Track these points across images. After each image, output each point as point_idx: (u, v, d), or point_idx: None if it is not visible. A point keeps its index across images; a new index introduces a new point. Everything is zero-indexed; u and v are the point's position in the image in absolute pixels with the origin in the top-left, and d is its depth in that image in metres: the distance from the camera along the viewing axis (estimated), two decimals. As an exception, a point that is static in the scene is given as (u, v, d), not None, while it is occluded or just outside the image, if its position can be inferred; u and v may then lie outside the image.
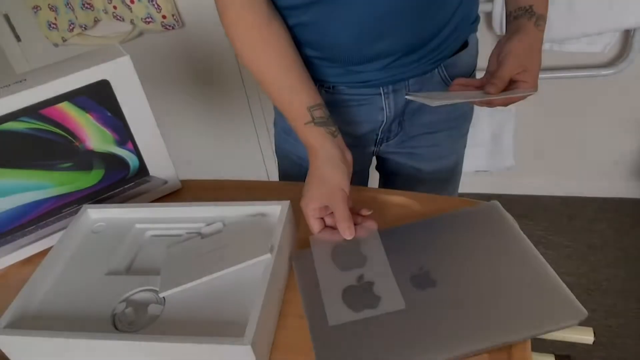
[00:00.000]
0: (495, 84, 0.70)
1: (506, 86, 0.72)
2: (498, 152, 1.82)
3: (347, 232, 0.68)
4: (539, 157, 1.94)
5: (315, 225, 0.70)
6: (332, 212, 0.70)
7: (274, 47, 0.73)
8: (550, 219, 1.94)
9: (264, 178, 2.25)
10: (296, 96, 0.73)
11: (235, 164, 2.23)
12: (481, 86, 0.74)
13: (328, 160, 0.71)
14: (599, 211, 1.94)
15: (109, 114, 0.75)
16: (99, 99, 0.73)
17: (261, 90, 1.89)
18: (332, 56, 0.77)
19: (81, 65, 0.71)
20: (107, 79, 0.73)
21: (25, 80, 0.70)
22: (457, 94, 0.75)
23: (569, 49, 1.55)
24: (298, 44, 0.78)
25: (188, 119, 2.08)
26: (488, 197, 2.06)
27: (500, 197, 2.05)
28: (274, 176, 2.24)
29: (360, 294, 0.62)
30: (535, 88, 0.73)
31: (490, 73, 0.75)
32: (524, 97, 0.73)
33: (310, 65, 0.80)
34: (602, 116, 1.77)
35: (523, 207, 2.01)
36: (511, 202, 2.00)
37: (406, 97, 0.75)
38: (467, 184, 1.42)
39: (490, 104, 0.74)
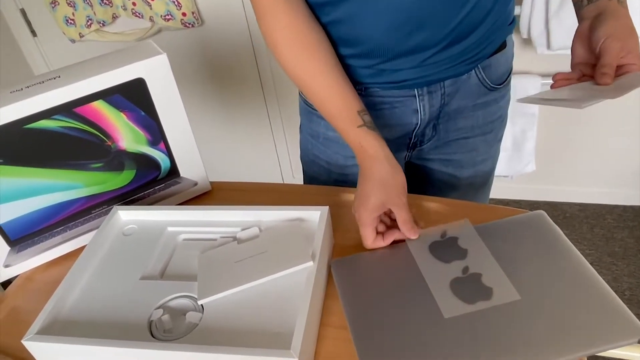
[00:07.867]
0: (607, 73, 0.64)
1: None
2: (519, 157, 1.79)
3: (412, 233, 0.67)
4: (560, 163, 1.92)
5: (371, 235, 0.68)
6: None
7: (318, 55, 0.72)
8: (570, 226, 1.91)
9: (278, 180, 2.23)
10: (345, 102, 0.71)
11: (250, 165, 2.21)
12: (580, 79, 0.69)
13: (388, 162, 0.69)
14: (620, 219, 1.91)
15: (143, 113, 0.73)
16: (134, 97, 0.71)
17: (279, 91, 1.89)
18: (367, 52, 0.75)
19: (117, 63, 0.69)
20: (143, 77, 0.70)
21: (59, 77, 0.68)
22: (569, 88, 0.69)
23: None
24: (332, 43, 0.76)
25: (204, 119, 2.06)
26: (507, 202, 2.03)
27: (519, 203, 2.03)
28: (289, 179, 2.22)
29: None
30: None
31: (583, 64, 0.69)
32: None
33: (343, 67, 0.78)
34: (625, 123, 1.73)
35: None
36: (531, 208, 1.96)
37: (518, 101, 0.71)
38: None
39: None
